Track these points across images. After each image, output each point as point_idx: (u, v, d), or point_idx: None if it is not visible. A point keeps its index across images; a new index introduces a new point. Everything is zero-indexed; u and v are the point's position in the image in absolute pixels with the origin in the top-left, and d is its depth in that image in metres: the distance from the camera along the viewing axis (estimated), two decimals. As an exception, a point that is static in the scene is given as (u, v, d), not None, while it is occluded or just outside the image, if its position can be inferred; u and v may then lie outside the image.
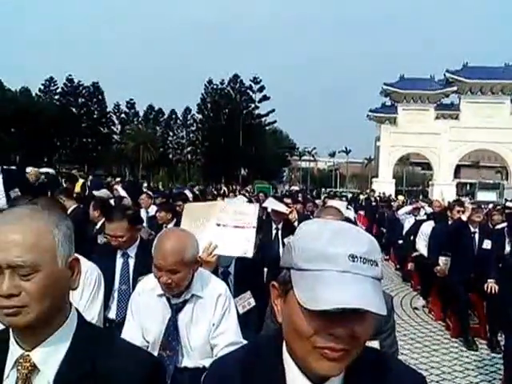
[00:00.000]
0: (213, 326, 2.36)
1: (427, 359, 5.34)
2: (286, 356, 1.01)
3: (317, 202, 13.35)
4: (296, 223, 6.57)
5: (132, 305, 2.47)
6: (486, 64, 38.88)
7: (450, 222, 7.56)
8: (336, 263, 0.90)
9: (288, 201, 8.24)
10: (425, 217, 9.97)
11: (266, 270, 4.04)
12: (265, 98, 66.05)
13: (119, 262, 3.43)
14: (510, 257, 6.14)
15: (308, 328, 0.90)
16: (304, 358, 0.94)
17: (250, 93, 66.39)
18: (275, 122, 69.93)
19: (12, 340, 1.10)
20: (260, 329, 2.60)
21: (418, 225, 8.81)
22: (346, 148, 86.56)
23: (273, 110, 66.64)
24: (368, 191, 27.04)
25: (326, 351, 0.90)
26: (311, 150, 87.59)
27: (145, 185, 32.71)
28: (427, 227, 7.87)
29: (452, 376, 4.87)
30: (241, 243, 3.14)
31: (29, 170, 9.59)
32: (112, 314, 3.31)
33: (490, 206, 15.86)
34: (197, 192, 14.83)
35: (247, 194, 18.26)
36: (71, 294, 1.18)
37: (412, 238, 8.77)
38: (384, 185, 36.86)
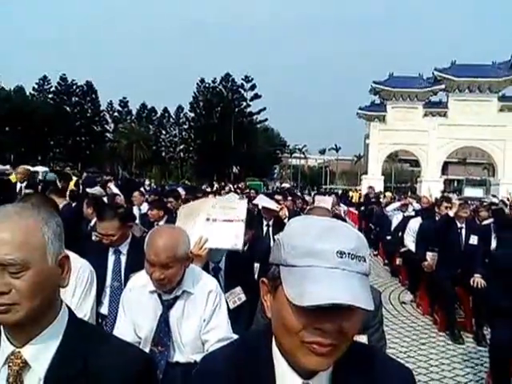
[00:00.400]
0: (204, 321, 2.38)
1: (415, 353, 5.41)
2: (275, 351, 1.01)
3: (307, 198, 13.50)
4: (286, 220, 6.62)
5: (124, 301, 2.48)
6: (474, 62, 39.06)
7: (437, 218, 7.64)
8: (324, 259, 0.90)
9: (279, 198, 8.28)
10: (413, 213, 10.03)
11: (257, 265, 4.07)
12: (256, 96, 66.19)
13: (111, 259, 3.47)
14: (495, 252, 6.19)
15: (296, 323, 0.91)
16: (293, 353, 0.95)
17: (242, 91, 66.64)
18: (266, 120, 70.24)
19: (3, 337, 1.10)
20: (250, 324, 2.63)
21: (405, 221, 8.88)
22: (336, 145, 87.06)
23: (264, 109, 66.87)
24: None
25: (314, 346, 0.90)
26: (302, 148, 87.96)
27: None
28: (415, 223, 7.95)
29: (439, 369, 4.93)
30: (230, 236, 3.13)
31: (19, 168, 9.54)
32: (104, 310, 3.37)
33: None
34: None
35: (239, 191, 18.27)
36: (64, 291, 1.18)
37: (400, 233, 8.84)
38: (373, 181, 36.95)
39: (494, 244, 7.17)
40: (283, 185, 48.08)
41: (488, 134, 37.40)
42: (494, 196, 28.41)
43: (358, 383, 1.01)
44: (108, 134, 70.58)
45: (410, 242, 7.94)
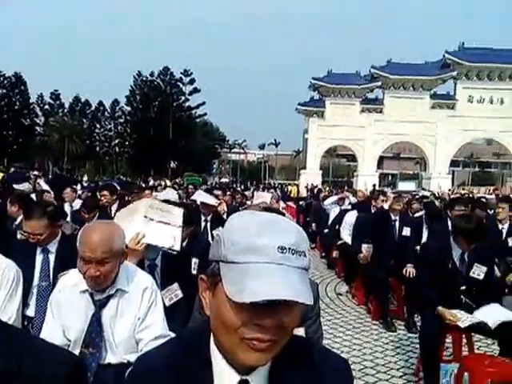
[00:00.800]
0: (138, 320, 2.32)
1: (349, 342, 5.53)
2: (213, 348, 1.00)
3: (246, 193, 13.56)
4: (225, 215, 6.63)
5: (52, 303, 2.37)
6: (409, 61, 40.53)
7: (372, 211, 7.85)
8: (264, 255, 0.89)
9: (218, 193, 8.27)
10: (349, 206, 10.24)
11: (195, 261, 4.03)
12: (195, 90, 65.69)
13: (39, 258, 3.32)
14: (426, 244, 6.44)
15: (235, 320, 0.90)
16: (232, 350, 0.94)
17: (181, 85, 65.88)
18: (205, 114, 70.03)
19: None
20: (187, 321, 2.60)
21: (342, 214, 9.05)
22: (276, 140, 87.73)
23: (203, 103, 66.49)
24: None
25: (253, 342, 0.90)
26: (241, 143, 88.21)
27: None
28: (351, 217, 8.13)
29: (372, 357, 5.07)
30: (168, 237, 3.15)
31: None
32: (30, 312, 3.21)
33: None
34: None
35: (176, 187, 18.08)
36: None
37: (337, 227, 8.99)
38: (311, 176, 37.75)
39: (425, 235, 7.43)
40: (222, 180, 48.16)
41: (420, 130, 39.07)
42: (423, 189, 29.74)
43: (296, 376, 1.01)
44: (38, 128, 67.97)
45: (346, 235, 8.10)
